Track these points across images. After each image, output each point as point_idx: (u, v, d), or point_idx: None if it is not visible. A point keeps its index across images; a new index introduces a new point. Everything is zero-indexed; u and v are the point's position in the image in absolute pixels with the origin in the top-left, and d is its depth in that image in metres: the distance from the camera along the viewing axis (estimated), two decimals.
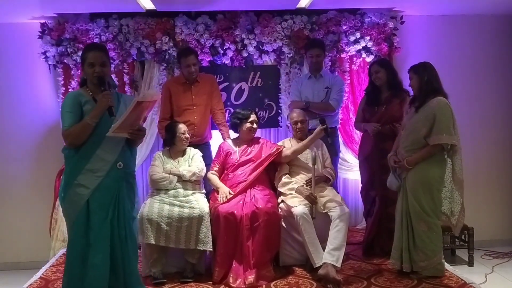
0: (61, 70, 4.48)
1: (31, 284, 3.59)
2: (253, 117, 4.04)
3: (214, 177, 3.98)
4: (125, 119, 2.67)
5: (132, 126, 2.77)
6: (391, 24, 4.60)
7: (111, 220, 2.82)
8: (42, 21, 4.45)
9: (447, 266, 3.65)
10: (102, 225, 2.79)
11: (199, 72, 4.24)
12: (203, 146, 4.26)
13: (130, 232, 2.93)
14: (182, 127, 3.94)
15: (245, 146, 4.07)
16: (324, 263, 3.46)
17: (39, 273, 3.81)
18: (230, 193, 3.80)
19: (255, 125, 4.04)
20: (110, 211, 2.82)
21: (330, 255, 3.48)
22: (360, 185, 4.32)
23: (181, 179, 3.84)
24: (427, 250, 3.45)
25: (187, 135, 3.96)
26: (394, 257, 3.59)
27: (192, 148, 4.06)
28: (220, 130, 4.36)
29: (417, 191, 3.42)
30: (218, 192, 3.86)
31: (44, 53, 4.43)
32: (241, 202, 3.70)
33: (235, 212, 3.60)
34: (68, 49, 4.37)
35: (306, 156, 3.99)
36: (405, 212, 3.48)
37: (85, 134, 2.76)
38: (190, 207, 3.64)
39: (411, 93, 3.69)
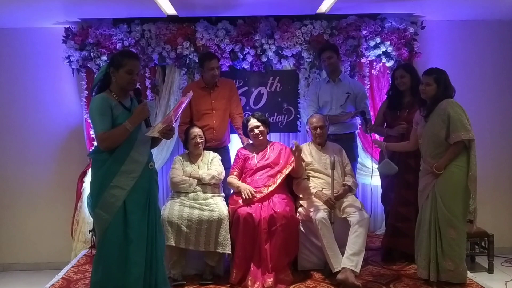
0: (84, 74, 4.55)
1: (53, 284, 3.66)
2: (252, 123, 4.01)
3: (234, 180, 3.99)
4: (166, 119, 2.79)
5: (166, 127, 2.88)
6: (411, 29, 4.58)
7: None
8: (66, 26, 4.53)
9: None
10: (140, 223, 2.89)
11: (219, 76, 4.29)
12: (222, 150, 4.30)
13: (160, 229, 3.04)
14: (194, 131, 3.97)
15: (262, 151, 4.07)
16: (343, 268, 3.46)
17: (61, 273, 3.88)
18: (253, 191, 3.78)
19: (256, 131, 3.99)
20: (146, 210, 2.93)
21: (349, 260, 3.47)
22: (379, 190, 4.31)
23: (200, 182, 3.88)
24: (456, 257, 3.43)
25: (198, 140, 3.96)
26: (421, 266, 3.54)
27: (211, 152, 4.10)
28: (239, 134, 4.39)
29: (446, 195, 3.40)
30: (239, 193, 3.83)
31: (68, 57, 4.50)
32: (259, 205, 3.72)
33: (253, 214, 3.62)
34: (91, 54, 4.45)
35: (324, 162, 3.98)
36: (433, 220, 3.45)
37: (123, 139, 2.84)
38: (209, 210, 3.67)
39: None
